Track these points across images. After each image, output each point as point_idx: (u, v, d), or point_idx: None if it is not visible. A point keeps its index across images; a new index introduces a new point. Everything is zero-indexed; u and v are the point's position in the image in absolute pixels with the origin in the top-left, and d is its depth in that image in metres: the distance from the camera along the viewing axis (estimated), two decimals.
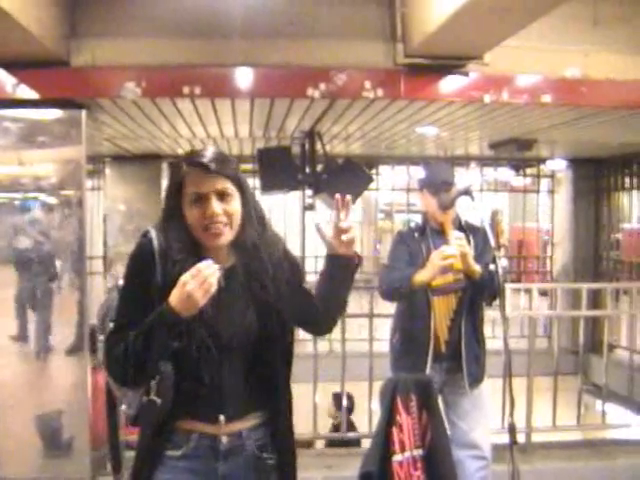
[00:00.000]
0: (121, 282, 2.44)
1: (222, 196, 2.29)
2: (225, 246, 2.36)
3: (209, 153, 2.32)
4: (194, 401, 2.34)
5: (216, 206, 2.27)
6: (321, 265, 2.56)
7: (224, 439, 2.37)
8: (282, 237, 2.61)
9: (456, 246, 3.93)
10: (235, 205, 2.32)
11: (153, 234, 2.33)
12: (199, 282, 2.12)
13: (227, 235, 2.31)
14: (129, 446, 5.28)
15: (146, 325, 2.19)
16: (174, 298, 2.15)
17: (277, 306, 2.40)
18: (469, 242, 4.07)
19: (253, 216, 2.40)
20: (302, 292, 2.59)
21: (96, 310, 5.11)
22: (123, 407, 2.45)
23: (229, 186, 2.31)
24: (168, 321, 2.17)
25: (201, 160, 2.29)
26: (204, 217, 2.27)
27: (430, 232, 4.28)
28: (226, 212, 2.29)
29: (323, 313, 2.62)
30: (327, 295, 2.57)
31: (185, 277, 2.13)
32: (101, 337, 2.56)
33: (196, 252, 2.29)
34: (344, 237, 2.47)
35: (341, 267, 2.52)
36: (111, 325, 2.38)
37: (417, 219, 4.50)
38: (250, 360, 2.39)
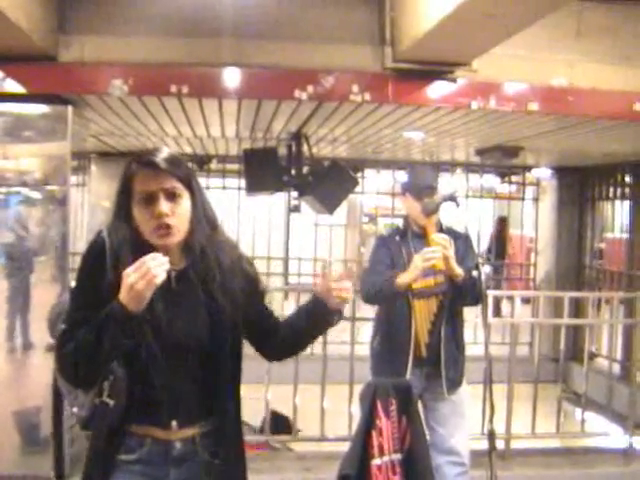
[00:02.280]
0: (73, 283, 2.42)
1: (171, 196, 2.27)
2: (177, 248, 2.34)
3: (160, 153, 2.30)
4: (146, 405, 2.31)
5: (164, 206, 2.24)
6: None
7: (177, 444, 2.36)
8: (237, 244, 2.59)
9: (439, 247, 3.95)
10: (184, 206, 2.30)
11: (105, 234, 2.31)
12: (142, 274, 2.09)
13: (175, 236, 2.29)
14: None
15: (97, 321, 2.16)
16: (121, 293, 2.12)
17: (226, 312, 2.37)
18: (450, 246, 4.08)
19: (202, 219, 2.37)
20: (260, 308, 2.57)
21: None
22: (74, 410, 2.41)
23: (178, 186, 2.28)
24: (117, 316, 2.12)
25: (151, 159, 2.27)
26: (152, 217, 2.24)
27: (411, 236, 4.30)
28: (174, 212, 2.26)
29: (284, 344, 2.61)
30: (297, 331, 2.56)
31: (128, 270, 2.11)
32: (51, 340, 2.53)
33: (147, 253, 2.23)
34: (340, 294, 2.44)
35: (322, 314, 2.50)
36: (62, 326, 2.34)
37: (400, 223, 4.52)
38: (202, 365, 2.36)
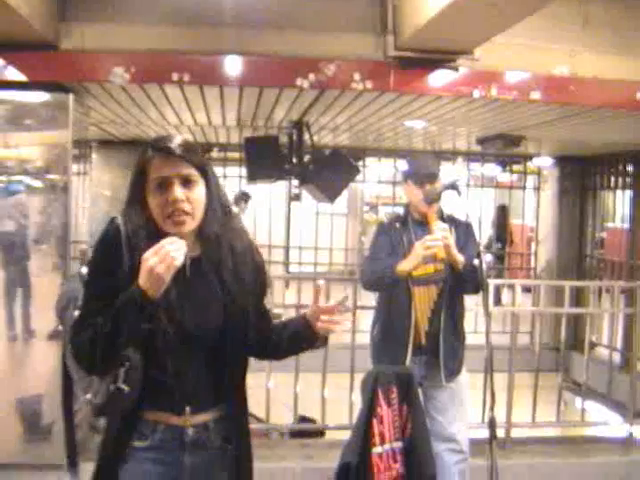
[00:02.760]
0: (83, 270, 2.41)
1: (186, 182, 2.28)
2: (190, 236, 2.34)
3: (175, 139, 2.30)
4: (160, 391, 2.32)
5: (179, 192, 2.25)
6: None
7: (190, 431, 2.37)
8: (250, 235, 2.58)
9: (440, 235, 3.96)
10: (199, 193, 2.31)
11: (120, 221, 2.30)
12: (161, 257, 2.10)
13: (189, 223, 2.29)
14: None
15: (115, 307, 2.17)
16: (140, 277, 2.13)
17: (238, 299, 2.39)
18: (451, 235, 4.09)
19: (217, 206, 2.38)
20: (258, 304, 2.56)
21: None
22: (88, 396, 2.41)
23: (193, 173, 2.29)
24: (137, 301, 2.14)
25: (167, 144, 2.27)
26: (166, 203, 2.25)
27: (412, 223, 4.30)
28: (189, 199, 2.27)
29: (267, 348, 2.61)
30: (278, 343, 2.57)
31: (147, 254, 2.12)
32: (60, 327, 2.51)
33: (158, 239, 2.24)
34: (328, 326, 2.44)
35: (306, 337, 2.50)
36: (76, 313, 2.35)
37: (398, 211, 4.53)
38: (214, 351, 2.38)
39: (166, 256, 2.11)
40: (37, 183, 5.27)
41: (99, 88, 5.37)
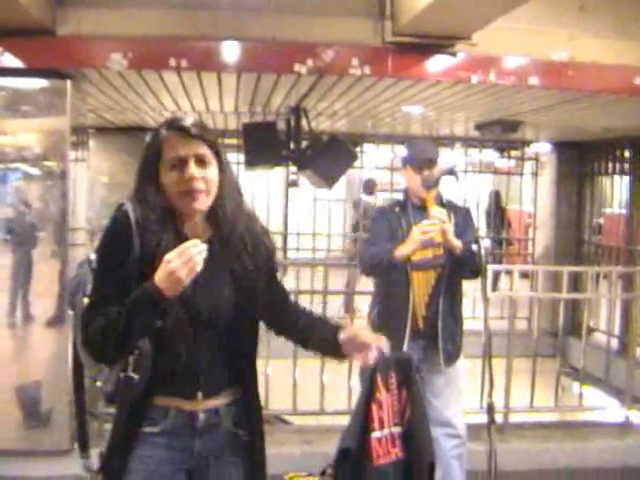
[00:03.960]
0: (92, 256, 2.40)
1: (201, 162, 2.29)
2: (201, 218, 2.36)
3: (189, 119, 2.32)
4: (171, 377, 2.32)
5: (194, 170, 2.26)
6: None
7: (201, 415, 2.38)
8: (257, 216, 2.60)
9: (437, 220, 3.96)
10: (213, 172, 2.32)
11: (129, 207, 2.30)
12: (184, 260, 2.10)
13: (204, 201, 2.30)
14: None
15: (129, 302, 2.16)
16: (158, 276, 2.12)
17: (253, 280, 2.40)
18: (450, 220, 4.10)
19: (231, 187, 2.40)
20: (273, 283, 2.59)
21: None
22: (98, 384, 2.40)
23: (208, 153, 2.31)
24: (152, 299, 2.14)
25: (183, 124, 2.29)
26: (182, 181, 2.26)
27: (411, 208, 4.31)
28: (204, 178, 2.28)
29: (291, 333, 2.66)
30: (308, 339, 2.63)
31: (170, 255, 2.11)
32: (70, 312, 2.50)
33: (173, 222, 2.29)
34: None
35: (333, 350, 2.57)
36: (85, 300, 2.35)
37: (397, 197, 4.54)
38: (226, 335, 2.38)
39: (189, 260, 2.10)
40: (35, 170, 5.26)
41: (97, 74, 5.36)
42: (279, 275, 2.70)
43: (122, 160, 9.71)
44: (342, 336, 2.50)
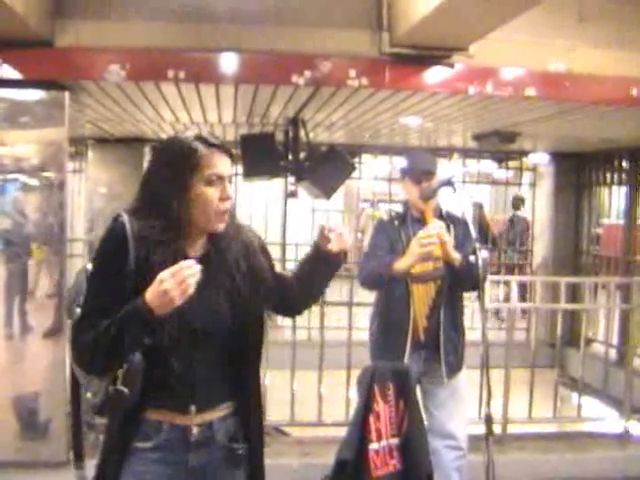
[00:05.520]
0: (89, 266, 2.38)
1: (230, 182, 2.34)
2: (201, 234, 2.37)
3: (215, 136, 2.36)
4: (164, 391, 2.31)
5: (230, 190, 2.31)
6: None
7: (195, 430, 2.36)
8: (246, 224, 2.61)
9: (435, 234, 3.96)
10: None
11: (125, 218, 2.28)
12: (177, 281, 2.07)
13: (226, 221, 2.35)
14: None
15: (119, 317, 2.14)
16: (150, 294, 2.10)
17: (250, 294, 2.39)
18: (449, 232, 4.10)
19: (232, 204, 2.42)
20: (276, 277, 2.60)
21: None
22: (88, 395, 2.38)
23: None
24: (142, 317, 2.11)
25: (223, 144, 2.33)
26: (220, 199, 2.28)
27: (411, 220, 4.31)
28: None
29: (300, 296, 2.65)
30: (308, 280, 2.61)
31: (164, 274, 2.08)
32: (68, 321, 2.49)
33: (175, 238, 2.27)
34: (329, 235, 2.52)
35: (324, 260, 2.56)
36: (78, 311, 2.33)
37: (397, 209, 4.53)
38: (222, 349, 2.37)
39: (182, 281, 2.07)
40: (33, 181, 5.27)
41: (95, 86, 5.36)
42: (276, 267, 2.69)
43: (120, 171, 9.73)
44: (316, 240, 2.58)
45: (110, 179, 9.72)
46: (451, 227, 4.18)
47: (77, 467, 2.66)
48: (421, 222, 4.21)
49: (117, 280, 2.22)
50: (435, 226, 4.01)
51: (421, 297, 4.24)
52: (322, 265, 2.58)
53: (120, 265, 2.23)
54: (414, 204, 4.29)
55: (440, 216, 4.21)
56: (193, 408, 2.34)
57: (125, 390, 2.26)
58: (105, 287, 2.26)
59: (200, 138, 2.32)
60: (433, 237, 3.96)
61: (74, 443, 2.54)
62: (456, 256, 4.04)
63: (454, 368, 4.31)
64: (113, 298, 2.18)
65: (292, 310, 2.80)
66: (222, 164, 2.30)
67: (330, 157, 7.32)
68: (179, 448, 2.35)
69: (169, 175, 2.30)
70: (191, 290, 2.10)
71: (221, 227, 2.32)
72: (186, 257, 2.20)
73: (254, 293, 2.41)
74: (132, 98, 6.02)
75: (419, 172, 4.23)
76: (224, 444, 2.42)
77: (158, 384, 2.29)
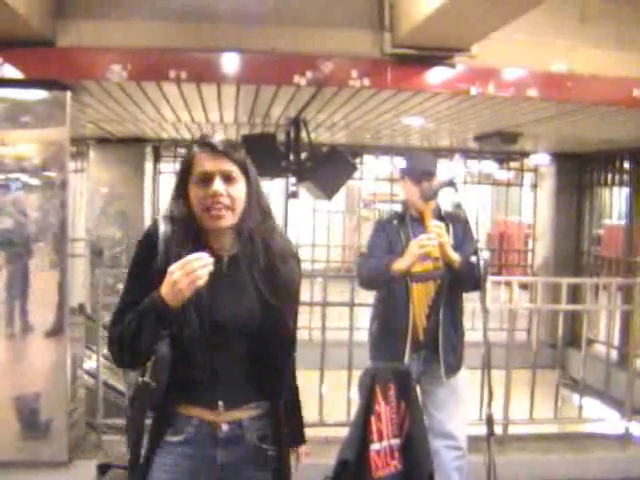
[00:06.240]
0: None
1: (227, 178, 2.33)
2: (230, 233, 2.40)
3: (219, 137, 2.38)
4: (193, 386, 2.36)
5: (219, 186, 2.30)
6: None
7: (224, 426, 2.39)
8: (291, 241, 2.65)
9: (434, 234, 3.96)
10: (239, 189, 2.35)
11: (160, 221, 2.38)
12: (186, 272, 2.13)
13: (228, 219, 2.33)
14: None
15: (138, 312, 2.22)
16: (163, 286, 2.17)
17: (270, 298, 2.41)
18: (448, 232, 4.10)
19: (255, 204, 2.42)
20: (291, 311, 2.56)
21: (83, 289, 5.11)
22: (124, 388, 2.50)
23: (235, 169, 2.34)
24: (157, 309, 2.18)
25: (210, 141, 2.35)
26: (206, 196, 2.30)
27: (410, 221, 4.31)
28: (229, 195, 2.31)
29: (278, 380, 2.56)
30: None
31: (173, 266, 2.15)
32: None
33: (200, 237, 2.34)
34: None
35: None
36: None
37: (396, 208, 4.53)
38: (249, 348, 2.40)
39: (191, 272, 2.13)
40: (34, 181, 5.27)
41: (96, 85, 5.36)
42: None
43: (122, 171, 9.74)
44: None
45: (111, 179, 9.74)
46: (450, 227, 4.18)
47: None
48: (420, 222, 4.21)
49: (145, 278, 2.30)
50: (435, 226, 4.01)
51: (420, 297, 4.24)
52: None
53: (148, 264, 2.32)
54: (413, 204, 4.28)
55: (439, 216, 4.21)
56: (221, 405, 2.37)
57: (152, 383, 2.35)
58: (135, 285, 2.37)
59: (199, 140, 2.40)
60: (432, 238, 3.96)
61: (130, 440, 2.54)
62: (455, 257, 4.04)
63: (453, 368, 4.31)
64: (141, 295, 2.25)
65: (266, 383, 2.55)
66: (210, 162, 2.32)
67: (331, 158, 7.33)
68: (208, 444, 2.39)
69: (175, 179, 2.43)
70: (201, 282, 2.15)
71: (220, 224, 2.32)
72: (214, 256, 2.22)
73: (281, 296, 2.43)
74: (133, 98, 6.02)
75: (419, 173, 4.22)
76: (254, 443, 2.44)
77: (187, 379, 2.35)
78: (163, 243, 2.33)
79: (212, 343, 2.33)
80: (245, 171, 2.38)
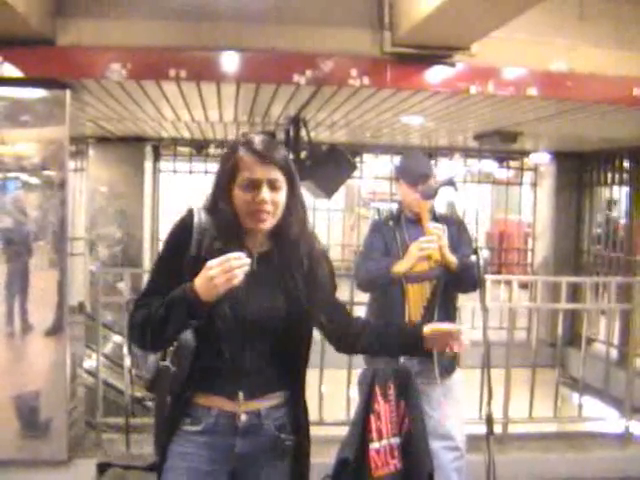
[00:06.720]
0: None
1: (272, 185, 2.39)
2: (263, 231, 2.46)
3: (265, 141, 2.42)
4: (214, 376, 2.41)
5: (266, 194, 2.36)
6: None
7: (243, 416, 2.43)
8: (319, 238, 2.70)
9: (434, 237, 3.96)
10: (282, 196, 2.42)
11: (195, 210, 2.44)
12: (224, 270, 2.17)
13: (269, 222, 2.41)
14: None
15: (169, 299, 2.27)
16: (198, 279, 2.21)
17: (304, 297, 2.48)
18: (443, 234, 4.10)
19: (298, 208, 2.51)
20: (332, 300, 2.69)
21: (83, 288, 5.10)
22: (143, 372, 2.53)
23: (280, 177, 2.41)
24: (188, 300, 2.22)
25: (261, 149, 2.39)
26: (253, 202, 2.36)
27: (405, 221, 4.31)
28: (273, 201, 2.38)
29: (352, 342, 2.74)
30: (378, 343, 2.74)
31: (212, 262, 2.19)
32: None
33: (237, 233, 2.40)
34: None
35: (414, 347, 2.69)
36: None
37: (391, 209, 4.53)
38: (274, 342, 2.45)
39: (229, 271, 2.17)
40: (34, 180, 5.26)
41: (96, 84, 5.36)
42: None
43: (121, 170, 9.74)
44: (425, 330, 2.64)
45: (111, 178, 9.74)
46: (445, 229, 4.17)
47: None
48: (416, 223, 4.21)
49: (176, 264, 2.37)
50: (434, 228, 4.01)
51: (416, 297, 4.24)
52: (407, 349, 2.78)
53: (181, 251, 2.38)
54: (409, 206, 4.29)
55: (434, 217, 4.21)
56: (241, 395, 2.42)
57: (172, 367, 2.42)
58: (165, 269, 2.44)
59: (246, 143, 2.43)
60: (433, 241, 3.96)
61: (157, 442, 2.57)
62: (452, 259, 4.05)
63: (447, 368, 4.31)
64: (171, 280, 2.31)
65: (331, 340, 2.81)
66: (258, 170, 2.38)
67: (331, 156, 7.31)
68: (227, 433, 2.44)
69: (217, 178, 2.48)
70: (237, 281, 2.19)
71: (263, 226, 2.40)
72: (245, 252, 2.27)
73: (310, 295, 2.50)
74: (133, 97, 6.01)
75: (416, 175, 4.23)
76: (272, 433, 2.50)
77: (209, 369, 2.41)
78: (197, 233, 2.38)
79: (239, 337, 2.38)
80: (289, 176, 2.45)
